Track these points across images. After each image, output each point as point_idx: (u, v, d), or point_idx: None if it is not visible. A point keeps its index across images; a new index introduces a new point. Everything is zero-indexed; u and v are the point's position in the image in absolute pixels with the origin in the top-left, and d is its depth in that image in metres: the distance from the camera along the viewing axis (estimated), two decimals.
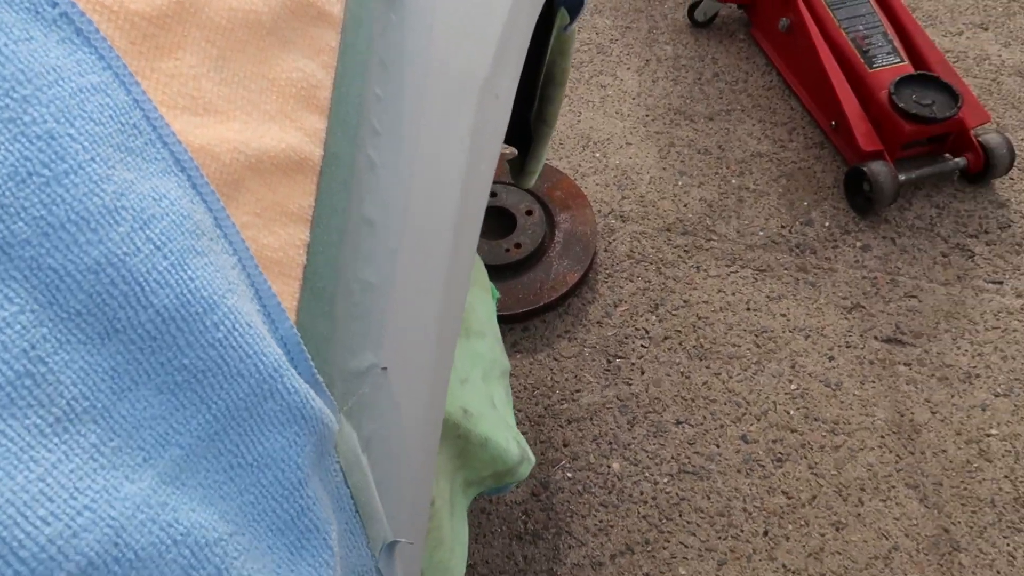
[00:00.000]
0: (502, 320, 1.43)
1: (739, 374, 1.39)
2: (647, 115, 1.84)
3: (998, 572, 1.17)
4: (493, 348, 0.90)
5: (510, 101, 0.51)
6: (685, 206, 1.64)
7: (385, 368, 0.39)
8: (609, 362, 1.41)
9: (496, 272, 1.47)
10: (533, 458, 0.87)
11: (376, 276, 0.40)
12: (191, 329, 0.29)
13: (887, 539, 1.21)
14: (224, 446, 0.30)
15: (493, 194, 1.53)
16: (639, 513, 1.24)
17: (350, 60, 0.42)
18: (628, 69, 1.96)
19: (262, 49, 0.37)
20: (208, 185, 0.32)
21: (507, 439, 0.80)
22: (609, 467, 1.29)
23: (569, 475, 1.28)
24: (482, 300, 0.92)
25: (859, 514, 1.23)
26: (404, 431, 0.40)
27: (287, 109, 0.37)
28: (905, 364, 1.39)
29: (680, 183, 1.69)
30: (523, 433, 1.25)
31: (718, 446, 1.31)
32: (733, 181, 1.69)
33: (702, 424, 1.33)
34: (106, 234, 0.27)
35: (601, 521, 1.23)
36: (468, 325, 0.85)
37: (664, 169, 1.71)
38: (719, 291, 1.50)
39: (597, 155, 1.76)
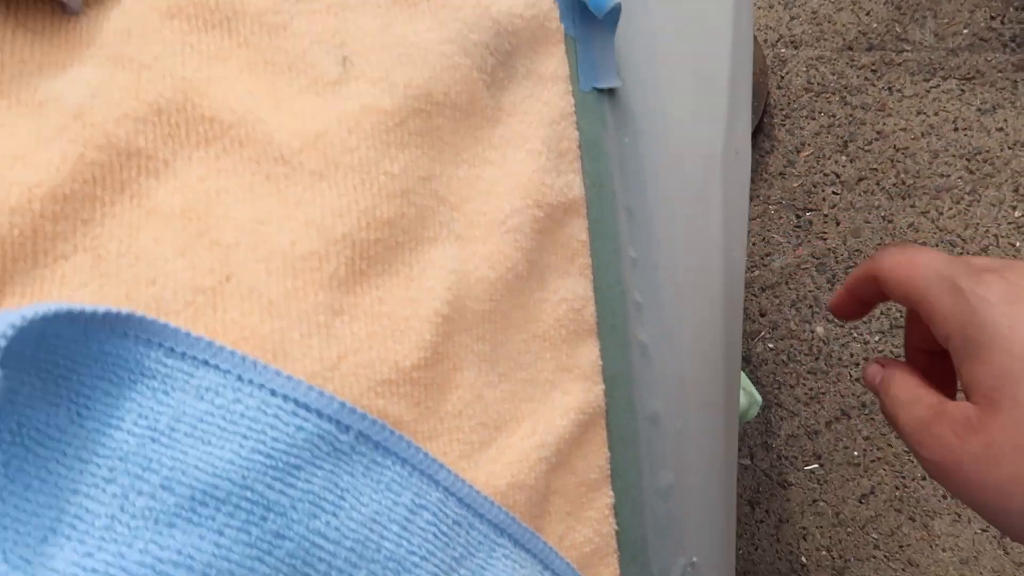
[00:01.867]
0: None
1: (951, 208, 1.25)
2: None
3: None
4: None
5: (749, 146, 0.46)
6: (868, 14, 1.43)
7: (694, 561, 0.38)
8: (798, 217, 1.32)
9: None
10: (760, 398, 0.85)
11: (669, 477, 0.38)
12: None
13: None
14: None
15: None
16: (851, 376, 1.20)
17: (601, 241, 0.38)
18: None
19: (525, 305, 0.33)
20: (560, 559, 0.31)
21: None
22: (813, 332, 1.24)
23: (771, 345, 1.25)
24: None
25: None
26: None
27: (563, 359, 0.34)
28: None
29: None
30: None
31: None
32: None
33: None
34: None
35: (811, 389, 1.21)
36: None
37: None
38: (918, 113, 1.33)
39: None
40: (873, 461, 1.15)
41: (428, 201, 0.30)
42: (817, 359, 1.22)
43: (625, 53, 0.42)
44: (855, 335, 1.22)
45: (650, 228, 0.40)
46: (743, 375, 0.85)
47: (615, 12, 0.40)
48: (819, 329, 1.24)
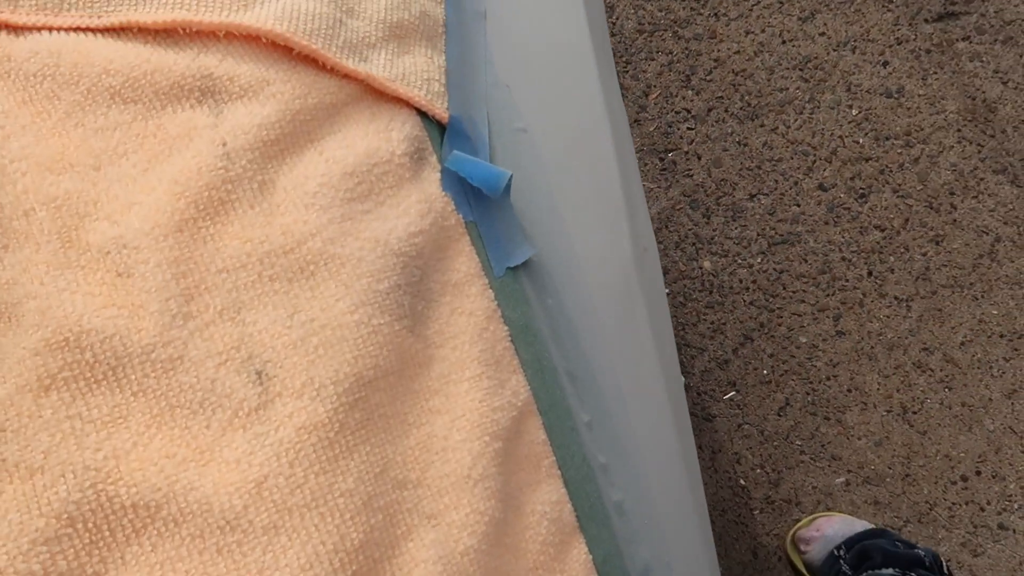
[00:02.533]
0: None
1: (796, 120, 1.32)
2: None
3: None
4: None
5: (653, 238, 0.47)
6: None
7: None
8: (662, 160, 1.35)
9: None
10: (682, 379, 0.88)
11: None
12: None
13: (987, 234, 1.22)
14: None
15: None
16: (745, 301, 1.26)
17: (558, 424, 0.38)
18: None
19: (511, 546, 0.32)
20: None
21: None
22: (701, 268, 1.29)
23: (666, 290, 1.29)
24: None
25: (954, 220, 1.23)
26: None
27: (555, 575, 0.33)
28: (963, 40, 1.29)
29: None
30: None
31: (799, 205, 1.28)
32: None
33: (776, 189, 1.30)
34: None
35: (712, 322, 1.27)
36: None
37: None
38: (747, 33, 1.37)
39: None
40: (782, 375, 1.23)
41: (392, 495, 0.29)
42: (711, 293, 1.28)
43: (520, 205, 0.42)
44: (739, 261, 1.28)
45: (595, 385, 0.40)
46: None
47: (508, 185, 0.40)
48: (706, 264, 1.29)
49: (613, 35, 1.42)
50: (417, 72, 0.42)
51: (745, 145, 1.32)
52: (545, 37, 0.47)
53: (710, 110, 1.35)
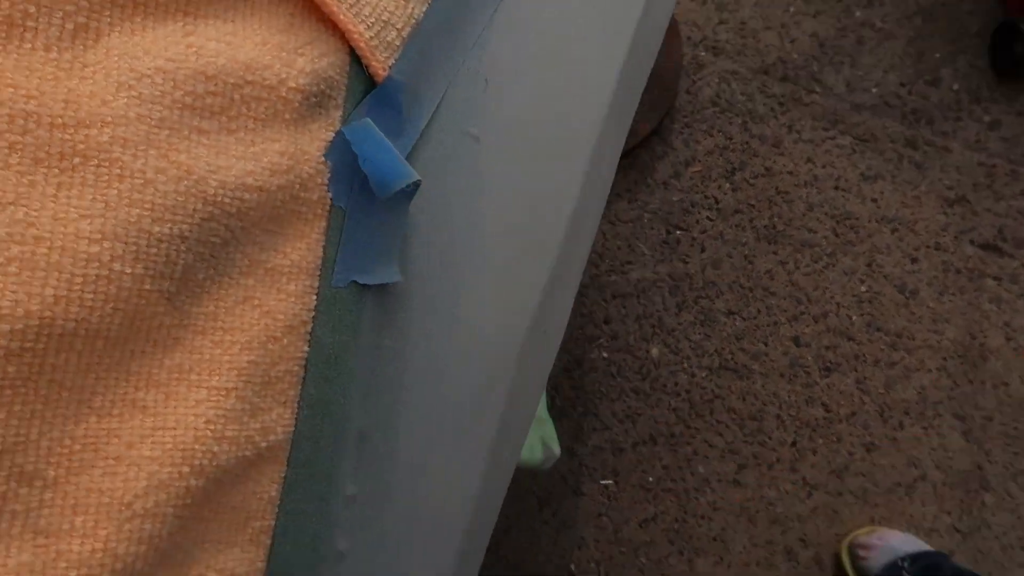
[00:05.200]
0: None
1: (808, 266, 1.26)
2: None
3: (1019, 517, 1.16)
4: None
5: (565, 321, 0.38)
6: (792, 42, 1.38)
7: None
8: (668, 233, 1.29)
9: None
10: (559, 452, 0.81)
11: None
12: None
13: (916, 467, 1.19)
14: None
15: None
16: (670, 405, 1.21)
17: (307, 485, 0.29)
18: None
19: None
20: None
21: (532, 445, 0.75)
22: (648, 352, 1.23)
23: (605, 355, 1.23)
24: None
25: (895, 438, 1.20)
26: None
27: None
28: (995, 278, 1.26)
29: (792, 10, 1.40)
30: None
31: (766, 344, 1.23)
32: (857, 14, 1.39)
33: (755, 318, 1.24)
34: None
35: (629, 407, 1.21)
36: None
37: None
38: (808, 160, 1.32)
39: None
40: (664, 491, 1.18)
41: (3, 484, 0.21)
42: (643, 379, 1.22)
43: (420, 222, 0.33)
44: (685, 366, 1.23)
45: (389, 457, 0.32)
46: (551, 424, 0.81)
47: (410, 191, 0.31)
48: (654, 351, 1.23)
49: (688, 93, 1.34)
50: (375, 6, 0.33)
51: (750, 262, 1.27)
52: (563, 54, 0.38)
53: (736, 212, 1.29)
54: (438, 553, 0.33)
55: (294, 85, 0.29)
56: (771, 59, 1.37)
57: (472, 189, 0.35)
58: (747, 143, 1.32)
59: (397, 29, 0.33)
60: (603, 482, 1.19)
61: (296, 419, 0.29)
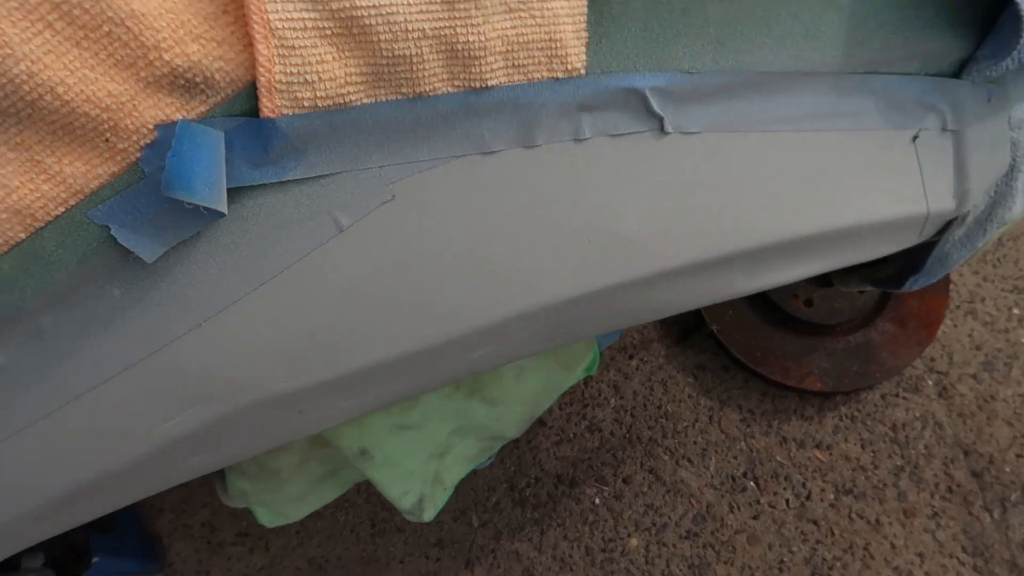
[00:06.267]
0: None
1: None
2: None
3: None
4: (501, 418, 0.83)
5: None
6: None
7: None
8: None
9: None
10: (430, 517, 0.84)
11: None
12: None
13: None
14: None
15: None
16: None
17: None
18: None
19: None
20: None
21: (406, 491, 0.78)
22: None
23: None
24: (537, 372, 0.83)
25: None
26: None
27: None
28: None
29: None
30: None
31: None
32: None
33: None
34: None
35: None
36: (480, 388, 0.79)
37: None
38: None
39: None
40: None
41: None
42: None
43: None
44: None
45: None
46: (451, 491, 0.83)
47: (201, 211, 0.31)
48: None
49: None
50: (308, 62, 0.32)
51: None
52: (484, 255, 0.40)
53: None
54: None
55: (167, 59, 0.30)
56: None
57: (334, 257, 0.37)
58: (703, 546, 1.29)
59: (319, 95, 0.32)
60: None
61: None
